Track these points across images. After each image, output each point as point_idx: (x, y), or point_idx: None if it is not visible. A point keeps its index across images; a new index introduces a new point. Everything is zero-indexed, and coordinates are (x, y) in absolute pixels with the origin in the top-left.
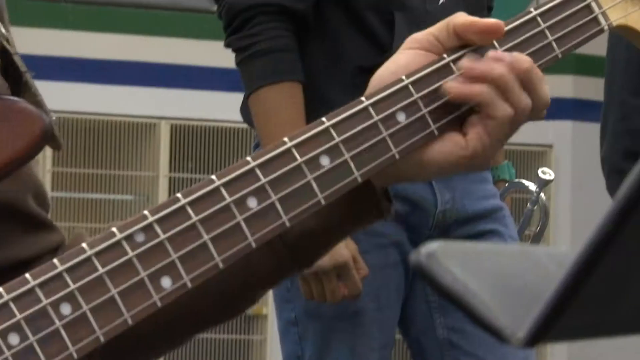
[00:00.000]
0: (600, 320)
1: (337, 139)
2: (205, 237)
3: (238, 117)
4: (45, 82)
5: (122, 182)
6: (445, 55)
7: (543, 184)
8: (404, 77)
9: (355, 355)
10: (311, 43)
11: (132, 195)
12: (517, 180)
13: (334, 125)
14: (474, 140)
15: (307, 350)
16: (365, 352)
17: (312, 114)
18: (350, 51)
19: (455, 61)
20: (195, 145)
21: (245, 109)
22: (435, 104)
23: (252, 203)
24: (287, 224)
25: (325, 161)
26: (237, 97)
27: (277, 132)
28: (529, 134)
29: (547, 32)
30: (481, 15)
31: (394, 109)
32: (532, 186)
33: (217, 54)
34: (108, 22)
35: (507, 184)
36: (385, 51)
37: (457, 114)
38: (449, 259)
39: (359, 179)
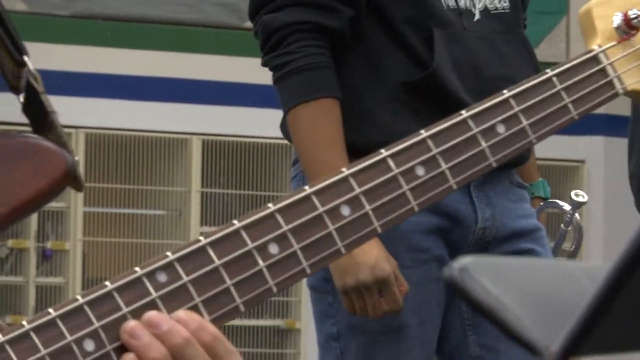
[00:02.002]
0: (634, 334)
1: (358, 190)
2: (228, 282)
3: (269, 132)
4: (79, 99)
5: (155, 197)
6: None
7: (576, 206)
8: (422, 132)
9: None
10: (350, 59)
11: (165, 211)
12: (551, 200)
13: (353, 175)
14: None
15: None
16: None
17: (354, 129)
18: (390, 67)
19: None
20: (227, 161)
21: (285, 126)
22: (454, 161)
23: (274, 249)
24: (308, 271)
25: (346, 211)
26: (268, 113)
27: (315, 149)
28: (561, 149)
29: (563, 93)
30: (520, 30)
31: (413, 162)
32: (566, 206)
33: (248, 70)
34: (141, 39)
35: (542, 203)
36: (426, 68)
37: (476, 169)
38: (481, 273)
39: (379, 229)
